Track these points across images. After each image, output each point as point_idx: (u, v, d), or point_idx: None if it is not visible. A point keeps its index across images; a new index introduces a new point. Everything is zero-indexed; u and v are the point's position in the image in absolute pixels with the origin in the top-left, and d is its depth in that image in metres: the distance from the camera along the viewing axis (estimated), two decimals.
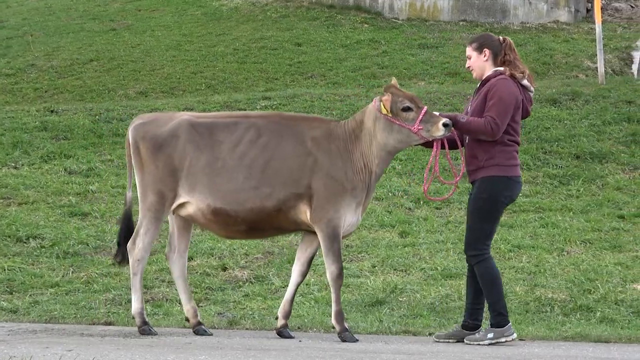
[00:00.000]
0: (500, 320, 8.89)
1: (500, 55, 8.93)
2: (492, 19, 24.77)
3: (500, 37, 9.09)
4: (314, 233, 8.97)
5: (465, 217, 9.20)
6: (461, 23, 24.55)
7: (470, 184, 9.08)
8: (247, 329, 9.68)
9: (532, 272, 11.89)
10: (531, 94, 8.97)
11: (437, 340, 9.18)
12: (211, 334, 9.28)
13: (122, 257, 9.32)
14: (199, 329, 9.28)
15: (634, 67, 22.55)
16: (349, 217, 8.89)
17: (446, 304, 10.92)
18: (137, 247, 9.09)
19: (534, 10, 25.15)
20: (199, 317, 9.36)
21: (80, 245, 12.58)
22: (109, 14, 26.67)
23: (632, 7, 26.45)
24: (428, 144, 9.01)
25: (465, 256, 9.19)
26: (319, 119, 9.45)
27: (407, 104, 8.77)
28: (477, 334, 9.01)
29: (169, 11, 26.57)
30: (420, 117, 8.72)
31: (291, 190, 8.82)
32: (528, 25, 24.76)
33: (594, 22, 20.41)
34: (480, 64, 8.98)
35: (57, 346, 8.28)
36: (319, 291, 11.28)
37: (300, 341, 9.01)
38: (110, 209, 13.83)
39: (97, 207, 13.87)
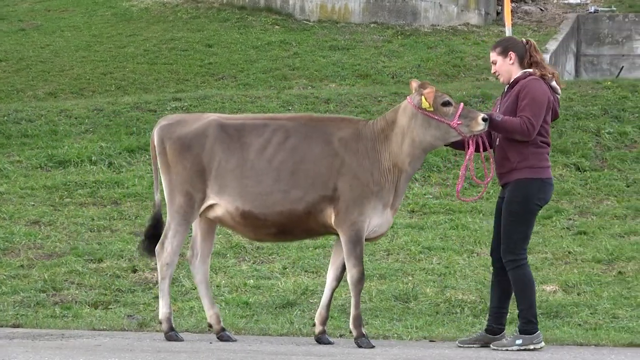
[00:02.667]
0: (530, 327, 8.75)
1: (526, 58, 8.83)
2: (403, 22, 24.97)
3: (524, 39, 9.02)
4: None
5: (494, 221, 9.08)
6: (372, 25, 24.71)
7: (501, 186, 8.92)
8: (157, 331, 9.62)
9: (442, 274, 11.99)
10: (559, 96, 8.88)
11: (461, 345, 9.05)
12: (235, 340, 9.11)
13: (143, 249, 9.23)
14: (223, 335, 9.10)
15: None
16: (374, 220, 8.71)
17: None
18: (166, 251, 8.88)
19: (445, 13, 25.41)
20: (222, 323, 9.18)
21: None
22: (18, 14, 26.37)
23: (541, 10, 26.86)
24: (456, 145, 8.90)
25: (491, 260, 9.11)
26: (348, 119, 9.19)
27: (447, 98, 8.60)
28: (504, 340, 8.87)
29: (79, 12, 26.35)
30: (459, 112, 8.55)
31: (320, 192, 8.63)
32: (438, 27, 25.01)
33: (504, 25, 20.70)
34: (507, 67, 8.86)
35: None
36: (230, 293, 11.28)
37: (211, 343, 9.00)
38: (19, 211, 13.70)
39: (6, 209, 13.72)
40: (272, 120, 8.94)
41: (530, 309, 8.71)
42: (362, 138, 8.71)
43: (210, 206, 8.82)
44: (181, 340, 8.98)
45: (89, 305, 10.50)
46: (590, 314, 10.74)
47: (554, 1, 27.72)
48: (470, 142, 8.68)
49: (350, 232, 8.60)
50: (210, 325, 9.17)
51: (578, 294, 11.41)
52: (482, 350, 8.89)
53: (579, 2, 27.72)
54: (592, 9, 26.71)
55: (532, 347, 8.69)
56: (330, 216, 8.64)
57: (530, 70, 8.79)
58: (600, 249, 13.04)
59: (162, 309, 8.97)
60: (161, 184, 9.00)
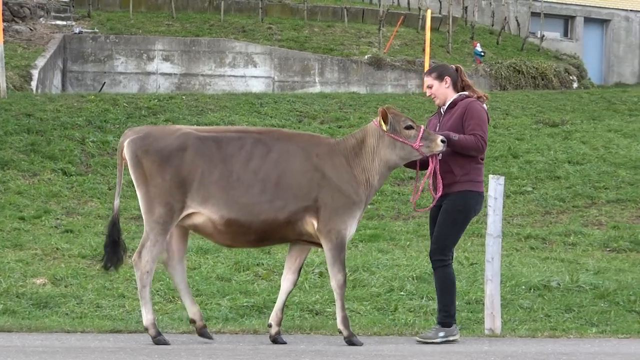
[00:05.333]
0: (449, 320, 8.79)
1: (458, 82, 8.95)
2: None
3: (453, 66, 9.08)
4: (306, 243, 8.67)
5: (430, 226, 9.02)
6: None
7: (440, 197, 8.77)
8: None
9: None
10: None
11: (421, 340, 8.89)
12: (213, 339, 8.68)
13: (109, 263, 8.59)
14: (204, 332, 8.68)
15: (33, 84, 22.67)
16: (353, 228, 8.62)
17: None
18: (144, 260, 8.29)
19: None
20: (203, 321, 8.77)
21: None
22: None
23: (31, 29, 26.54)
24: (411, 164, 8.86)
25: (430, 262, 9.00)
26: (316, 136, 9.05)
27: (409, 122, 8.62)
28: (428, 332, 8.82)
29: None
30: (420, 134, 8.56)
31: (301, 203, 8.42)
32: None
33: None
34: (443, 91, 8.91)
35: None
36: None
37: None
38: None
39: None
40: (245, 133, 8.65)
41: (452, 304, 8.83)
42: (336, 154, 8.64)
43: (188, 215, 8.38)
44: (168, 343, 8.39)
45: None
46: (77, 304, 10.78)
47: (43, 22, 27.48)
48: (431, 160, 8.70)
49: (336, 240, 8.46)
50: (192, 321, 8.73)
51: (66, 286, 11.41)
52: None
53: (65, 23, 27.70)
54: (77, 30, 26.79)
55: (452, 338, 8.78)
56: (309, 225, 8.48)
57: (466, 92, 8.94)
58: (86, 245, 13.14)
59: (147, 316, 8.42)
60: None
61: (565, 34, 37.32)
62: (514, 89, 28.27)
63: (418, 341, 8.83)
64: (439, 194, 8.71)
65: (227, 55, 26.79)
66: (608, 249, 14.64)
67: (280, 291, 8.80)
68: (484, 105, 8.95)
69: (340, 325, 8.57)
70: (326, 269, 12.24)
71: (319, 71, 27.25)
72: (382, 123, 8.62)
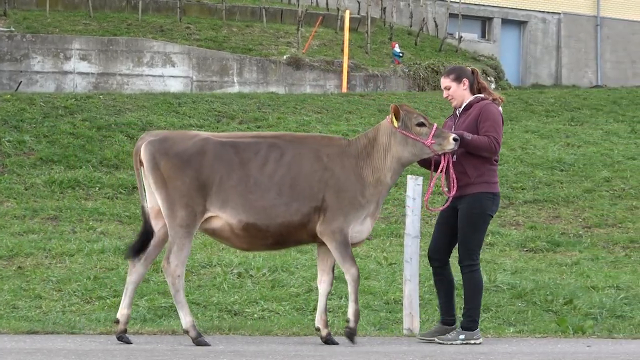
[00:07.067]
0: (472, 325, 8.88)
1: (475, 84, 9.00)
2: None
3: (469, 68, 9.16)
4: (322, 244, 8.68)
5: (436, 228, 9.11)
6: None
7: (455, 198, 8.85)
8: None
9: None
10: None
11: (422, 338, 9.05)
12: (131, 343, 8.47)
13: (133, 252, 8.55)
14: (123, 336, 8.51)
15: None
16: (355, 227, 8.65)
17: None
18: (173, 264, 8.33)
19: None
20: (127, 325, 8.60)
21: None
22: None
23: None
24: (425, 162, 8.97)
25: (428, 261, 9.09)
26: (328, 137, 9.11)
27: (422, 120, 8.68)
28: (448, 335, 8.88)
29: None
30: (433, 132, 8.63)
31: (312, 204, 8.53)
32: None
33: None
34: (460, 92, 8.98)
35: None
36: None
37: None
38: None
39: None
40: (261, 138, 8.78)
41: (476, 309, 8.93)
42: (347, 155, 8.72)
43: (206, 219, 8.45)
44: (209, 344, 8.43)
45: None
46: None
47: None
48: (442, 158, 8.77)
49: (339, 238, 8.55)
50: (117, 321, 8.59)
51: None
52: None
53: None
54: None
55: (472, 342, 8.85)
56: (317, 225, 8.54)
57: (482, 95, 8.99)
58: (2, 246, 12.99)
59: (185, 318, 8.47)
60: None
61: (483, 36, 37.77)
62: (432, 89, 28.48)
63: (438, 343, 8.92)
64: (453, 192, 8.81)
65: (145, 55, 26.60)
66: (525, 249, 14.88)
67: (319, 294, 8.88)
68: (499, 107, 9.09)
69: (350, 316, 8.69)
70: (245, 270, 12.29)
71: (237, 71, 27.19)
72: (394, 119, 8.72)
